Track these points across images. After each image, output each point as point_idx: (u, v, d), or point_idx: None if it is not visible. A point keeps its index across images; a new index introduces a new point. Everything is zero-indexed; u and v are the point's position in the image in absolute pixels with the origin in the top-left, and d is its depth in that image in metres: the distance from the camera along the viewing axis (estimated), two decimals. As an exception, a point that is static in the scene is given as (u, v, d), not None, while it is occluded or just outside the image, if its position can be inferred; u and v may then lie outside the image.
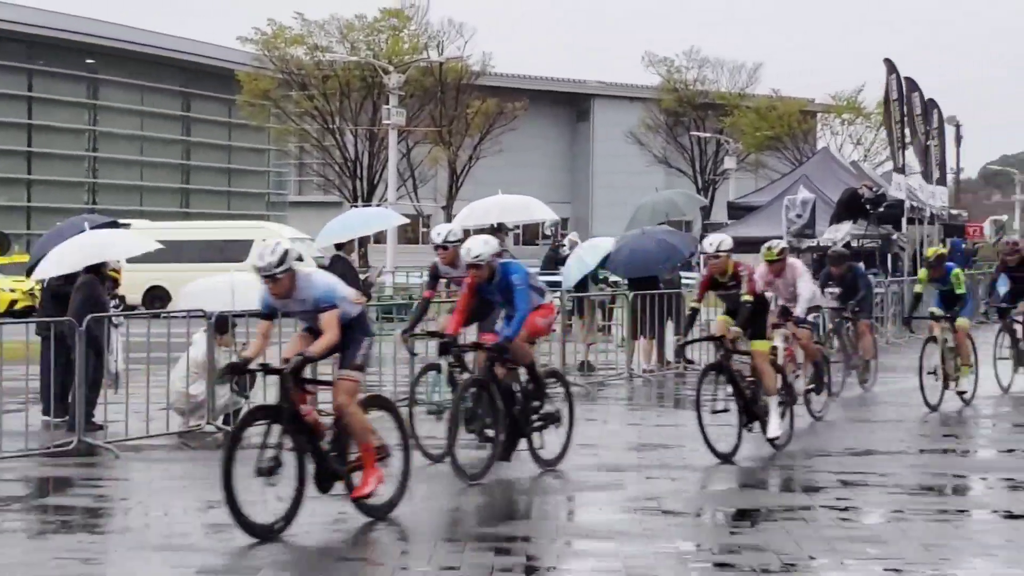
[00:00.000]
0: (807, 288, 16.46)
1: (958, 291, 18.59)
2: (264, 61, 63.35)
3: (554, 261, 36.57)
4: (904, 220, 33.28)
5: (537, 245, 65.65)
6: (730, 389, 14.41)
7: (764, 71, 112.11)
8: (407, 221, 27.52)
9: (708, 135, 75.79)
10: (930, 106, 39.85)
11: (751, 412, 14.44)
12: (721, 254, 14.37)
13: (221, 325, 16.22)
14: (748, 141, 75.22)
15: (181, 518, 11.59)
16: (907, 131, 37.68)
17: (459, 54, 62.18)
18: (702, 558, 9.91)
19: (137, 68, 79.30)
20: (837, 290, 20.14)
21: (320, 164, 67.43)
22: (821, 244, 30.48)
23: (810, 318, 17.14)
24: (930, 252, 19.44)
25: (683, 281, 26.16)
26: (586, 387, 20.84)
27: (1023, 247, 21.42)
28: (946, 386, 18.17)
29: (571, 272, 24.11)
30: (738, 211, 35.45)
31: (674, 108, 77.54)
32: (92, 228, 17.31)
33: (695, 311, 14.92)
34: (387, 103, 49.09)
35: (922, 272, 19.30)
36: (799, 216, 29.64)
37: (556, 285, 31.64)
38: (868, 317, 21.20)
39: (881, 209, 30.87)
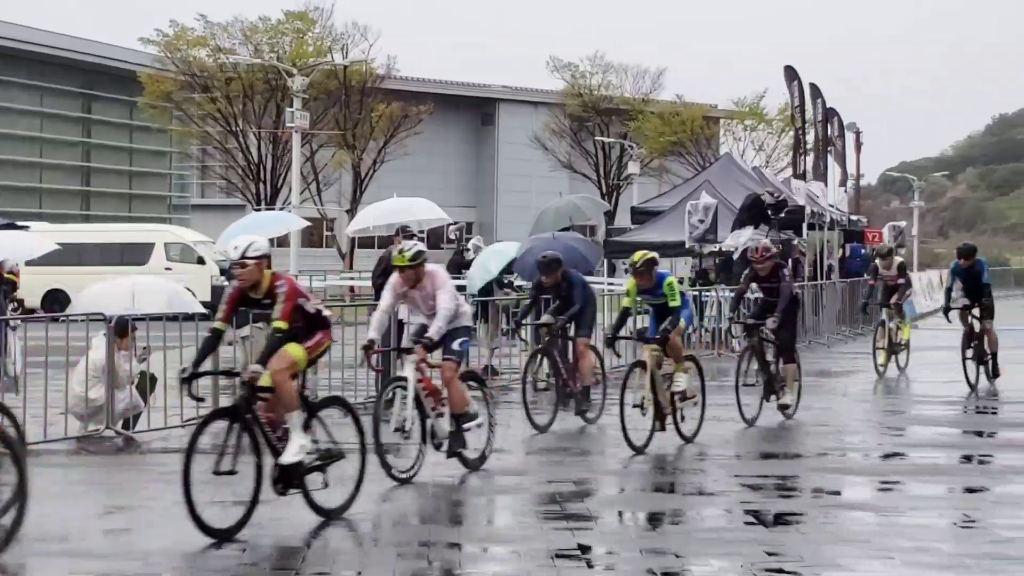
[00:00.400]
0: (446, 304, 13.45)
1: (671, 303, 15.60)
2: (166, 63, 62.78)
3: (458, 265, 36.57)
4: (805, 226, 33.64)
5: (442, 249, 65.60)
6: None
7: (668, 77, 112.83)
8: (308, 224, 27.39)
9: (612, 140, 76.14)
10: (831, 113, 40.34)
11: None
12: (248, 261, 11.51)
13: (121, 328, 16.08)
14: (652, 146, 75.66)
15: (80, 524, 11.46)
16: (808, 138, 38.12)
17: (363, 57, 61.97)
18: (604, 562, 9.94)
19: (36, 69, 78.21)
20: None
21: (223, 167, 66.92)
22: (723, 249, 30.76)
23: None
24: (636, 256, 15.77)
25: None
26: (490, 391, 20.81)
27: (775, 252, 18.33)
28: (661, 426, 15.18)
29: (475, 277, 24.11)
30: (641, 216, 35.62)
31: (578, 113, 77.82)
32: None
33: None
34: (291, 106, 48.87)
35: (629, 282, 16.01)
36: (701, 221, 29.87)
37: (460, 289, 31.72)
38: (587, 335, 17.87)
39: (782, 215, 31.17)
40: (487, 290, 23.90)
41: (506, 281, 25.61)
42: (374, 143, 64.15)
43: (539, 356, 18.15)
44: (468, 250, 37.80)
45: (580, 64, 78.78)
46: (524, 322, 18.91)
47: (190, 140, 67.88)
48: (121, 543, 10.64)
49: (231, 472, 10.69)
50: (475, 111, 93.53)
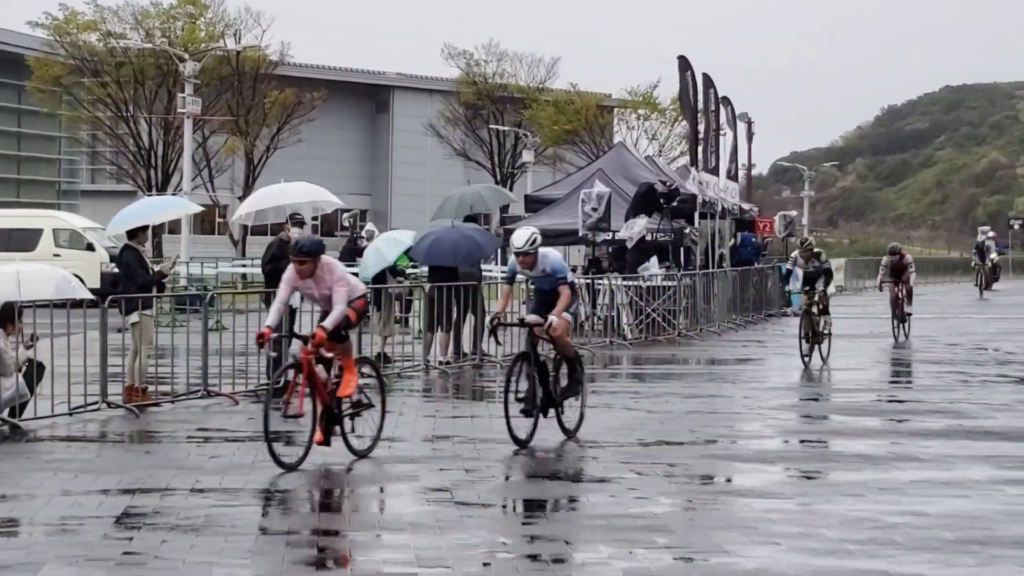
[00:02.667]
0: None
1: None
2: (55, 47, 61.83)
3: (352, 252, 36.44)
4: (697, 215, 33.89)
5: (336, 237, 65.23)
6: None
7: (562, 66, 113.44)
8: (201, 210, 27.14)
9: (507, 128, 76.21)
10: (723, 103, 40.65)
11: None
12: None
13: (7, 314, 15.85)
14: (546, 135, 75.81)
15: (-37, 513, 11.30)
16: (700, 127, 38.38)
17: (256, 43, 61.47)
18: (494, 548, 9.97)
19: (-79, 51, 76.81)
20: None
21: (113, 152, 66.04)
22: (617, 239, 30.90)
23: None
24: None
25: (484, 274, 26.30)
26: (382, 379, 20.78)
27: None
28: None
29: (369, 264, 24.04)
30: (535, 204, 35.67)
31: (473, 101, 77.79)
32: None
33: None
34: (183, 91, 48.36)
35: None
36: (595, 210, 29.99)
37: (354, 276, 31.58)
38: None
39: (675, 203, 31.38)
40: (380, 277, 23.85)
41: (399, 268, 25.57)
42: (267, 130, 63.66)
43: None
44: (362, 237, 37.73)
45: (475, 52, 78.82)
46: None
47: (80, 125, 66.92)
48: (4, 531, 10.50)
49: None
50: (369, 98, 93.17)
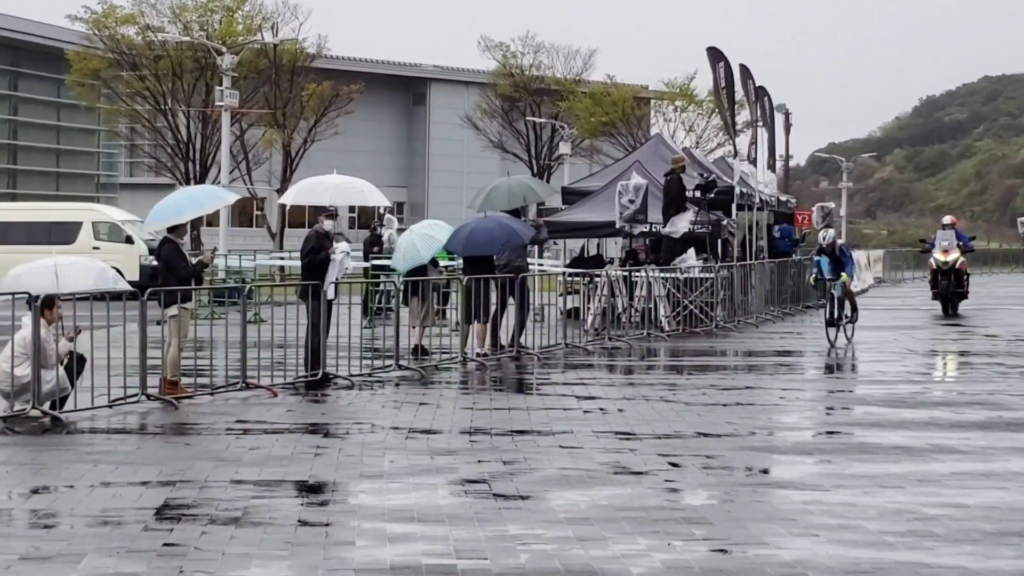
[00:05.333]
0: None
1: None
2: (94, 40, 62.12)
3: (372, 243, 36.52)
4: (734, 206, 33.80)
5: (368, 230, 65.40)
6: None
7: (599, 57, 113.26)
8: (239, 198, 27.19)
9: (543, 120, 76.16)
10: (760, 93, 40.50)
11: None
12: None
13: (47, 303, 15.94)
14: (583, 127, 75.73)
15: (4, 504, 11.38)
16: (737, 118, 38.27)
17: (294, 36, 61.62)
18: (532, 540, 9.97)
19: (-38, 45, 77.29)
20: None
21: (152, 145, 66.29)
22: (663, 234, 30.78)
23: None
24: None
25: (530, 266, 26.36)
26: (420, 371, 20.86)
27: None
28: None
29: (402, 258, 24.08)
30: (572, 196, 35.63)
31: (510, 93, 77.78)
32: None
33: None
34: (220, 84, 48.50)
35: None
36: (631, 202, 29.93)
37: (382, 269, 31.63)
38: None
39: (712, 195, 31.30)
40: (418, 269, 23.89)
41: (436, 260, 25.61)
42: (304, 122, 63.84)
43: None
44: (382, 226, 37.79)
45: (511, 44, 78.82)
46: None
47: (118, 118, 67.21)
48: (45, 524, 10.57)
49: None
50: (406, 90, 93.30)
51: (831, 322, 26.27)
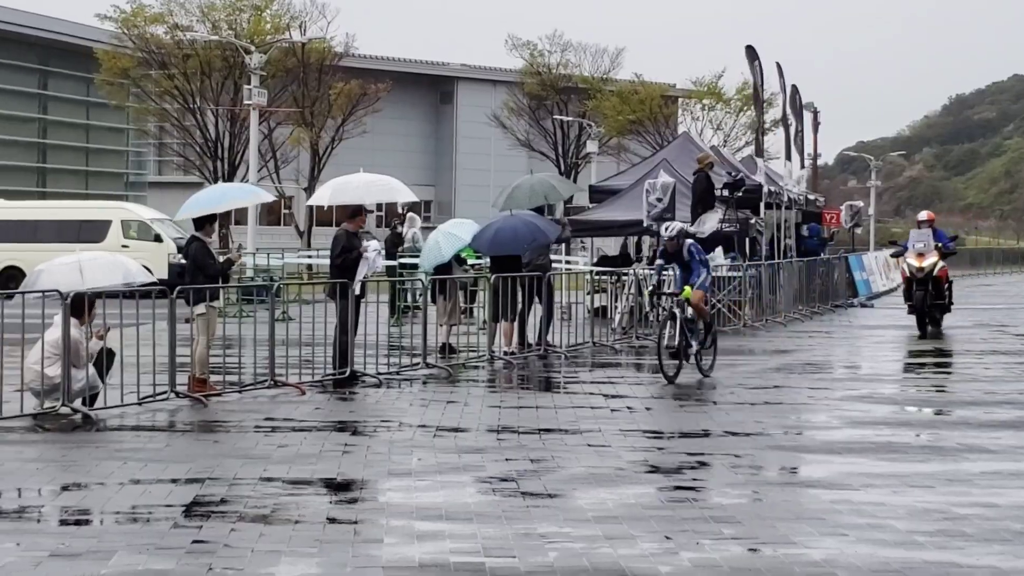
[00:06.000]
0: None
1: None
2: (123, 39, 62.34)
3: (394, 242, 36.54)
4: (763, 205, 33.74)
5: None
6: None
7: (626, 56, 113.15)
8: (274, 199, 27.24)
9: (570, 119, 76.14)
10: (791, 92, 40.43)
11: None
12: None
13: (79, 305, 16.00)
14: (610, 125, 75.68)
15: (34, 500, 11.43)
16: (767, 117, 38.20)
17: (322, 35, 61.71)
18: (559, 539, 9.97)
19: (-8, 44, 77.59)
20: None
21: (180, 144, 66.51)
22: (690, 233, 30.70)
23: None
24: None
25: (554, 265, 26.34)
26: (447, 369, 20.87)
27: None
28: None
29: (428, 256, 24.13)
30: (600, 195, 35.60)
31: (537, 91, 77.79)
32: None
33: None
34: (248, 83, 48.61)
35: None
36: (659, 200, 29.90)
37: (406, 267, 31.65)
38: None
39: (740, 194, 31.24)
40: (445, 267, 23.91)
41: (463, 258, 25.62)
42: (332, 121, 63.95)
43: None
44: (402, 223, 37.82)
45: (539, 43, 78.84)
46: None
47: (147, 117, 67.45)
48: (75, 521, 10.62)
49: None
50: (433, 89, 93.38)
51: (673, 352, 19.90)
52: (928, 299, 28.20)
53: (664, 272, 21.50)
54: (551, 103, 77.53)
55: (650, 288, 22.16)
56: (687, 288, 20.30)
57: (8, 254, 43.27)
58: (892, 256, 37.28)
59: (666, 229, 20.85)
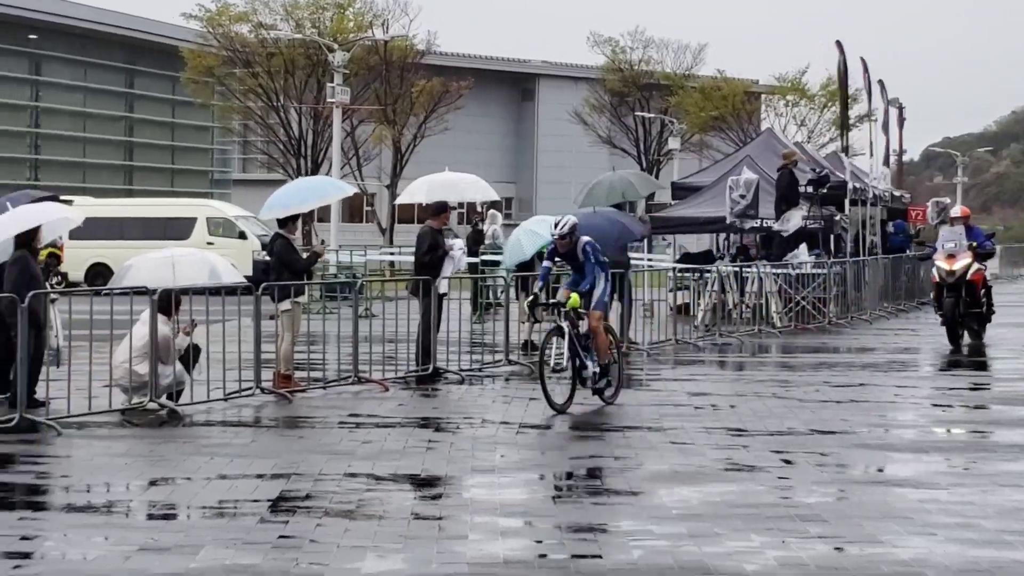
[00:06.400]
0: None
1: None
2: (208, 38, 62.91)
3: (476, 240, 36.57)
4: (847, 201, 33.46)
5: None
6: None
7: (709, 52, 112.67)
8: (357, 191, 27.35)
9: (653, 115, 75.93)
10: (877, 87, 40.08)
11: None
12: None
13: (167, 301, 16.15)
14: (692, 121, 75.41)
15: (123, 495, 11.55)
16: (852, 112, 37.89)
17: (404, 32, 61.95)
18: (644, 536, 9.92)
19: (80, 44, 78.59)
20: None
21: (264, 142, 67.01)
22: (775, 229, 30.52)
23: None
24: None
25: (631, 261, 26.23)
26: (530, 366, 20.86)
27: None
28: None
29: (510, 253, 24.15)
30: (682, 191, 35.45)
31: (619, 88, 77.64)
32: (30, 202, 17.13)
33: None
34: (332, 81, 48.87)
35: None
36: (743, 197, 29.71)
37: (488, 264, 31.68)
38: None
39: (824, 190, 31.00)
40: (526, 265, 23.91)
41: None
42: (414, 118, 64.18)
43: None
44: (482, 220, 37.84)
45: (620, 39, 78.67)
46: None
47: (232, 115, 68.01)
48: (163, 515, 10.72)
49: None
50: (515, 86, 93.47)
51: (560, 372, 16.88)
52: (961, 307, 24.64)
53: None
54: (633, 100, 77.37)
55: (530, 296, 17.14)
56: (572, 296, 16.33)
57: (95, 251, 43.75)
58: (919, 259, 33.73)
59: (556, 225, 16.80)
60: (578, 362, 16.38)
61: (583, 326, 16.59)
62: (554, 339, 16.59)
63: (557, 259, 16.88)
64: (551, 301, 16.77)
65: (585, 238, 16.75)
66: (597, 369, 16.50)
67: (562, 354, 16.42)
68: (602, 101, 78.37)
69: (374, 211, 69.47)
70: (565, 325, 16.32)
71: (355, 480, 11.98)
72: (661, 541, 9.79)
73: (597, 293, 16.66)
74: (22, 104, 77.88)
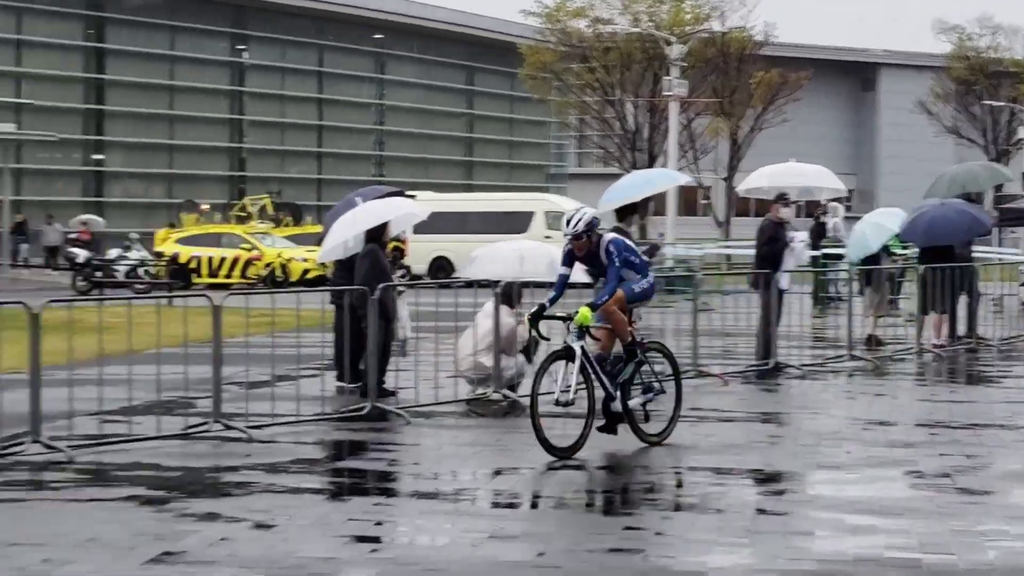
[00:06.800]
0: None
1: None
2: (546, 34, 63.73)
3: (819, 234, 35.96)
4: None
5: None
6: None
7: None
8: (689, 180, 27.23)
9: (1001, 104, 73.41)
10: None
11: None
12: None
13: (510, 292, 16.39)
14: (1047, 110, 72.65)
15: (470, 483, 11.77)
16: None
17: (741, 24, 61.53)
18: (1000, 537, 9.59)
19: (423, 42, 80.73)
20: None
21: (600, 136, 67.51)
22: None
23: None
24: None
25: (973, 255, 25.40)
26: (874, 362, 20.43)
27: None
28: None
29: (854, 248, 23.69)
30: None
31: (964, 76, 75.37)
32: (373, 199, 17.57)
33: None
34: (668, 74, 48.91)
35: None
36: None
37: (833, 258, 31.13)
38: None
39: None
40: (871, 258, 23.42)
41: (889, 248, 25.02)
42: (751, 110, 63.65)
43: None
44: (826, 213, 37.18)
45: (967, 26, 76.34)
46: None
47: (568, 110, 68.72)
48: (511, 504, 10.87)
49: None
50: (855, 77, 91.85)
51: (568, 405, 12.70)
52: None
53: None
54: (980, 88, 74.98)
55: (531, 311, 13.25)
56: (582, 310, 12.68)
57: (437, 245, 44.78)
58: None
59: (568, 222, 12.95)
60: (607, 394, 13.03)
61: (595, 345, 13.26)
62: (560, 364, 12.80)
63: (582, 264, 13.24)
64: (559, 315, 12.95)
65: (609, 235, 13.13)
66: (618, 394, 13.09)
67: (570, 386, 12.67)
68: (947, 90, 76.23)
69: (710, 204, 69.21)
70: (577, 346, 12.70)
71: (697, 473, 11.92)
72: (1017, 542, 9.43)
73: (630, 287, 13.12)
74: (368, 102, 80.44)
